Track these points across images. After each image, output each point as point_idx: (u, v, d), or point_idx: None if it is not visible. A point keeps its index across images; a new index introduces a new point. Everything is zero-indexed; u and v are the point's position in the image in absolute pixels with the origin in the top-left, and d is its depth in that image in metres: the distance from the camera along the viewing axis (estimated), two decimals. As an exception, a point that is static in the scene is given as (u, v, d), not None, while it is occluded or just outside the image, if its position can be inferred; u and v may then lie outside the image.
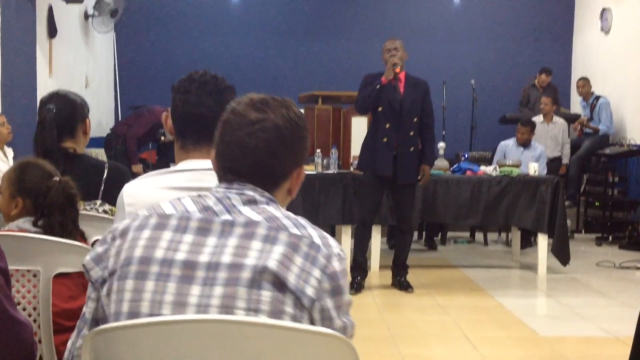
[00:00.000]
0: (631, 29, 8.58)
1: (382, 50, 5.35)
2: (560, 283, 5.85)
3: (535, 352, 4.00)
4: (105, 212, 2.36)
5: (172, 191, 1.79)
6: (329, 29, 9.95)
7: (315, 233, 1.35)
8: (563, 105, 9.37)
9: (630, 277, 6.12)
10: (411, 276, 5.58)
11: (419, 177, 5.35)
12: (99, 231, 2.32)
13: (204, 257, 1.29)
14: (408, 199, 5.39)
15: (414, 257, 6.19)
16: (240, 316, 1.25)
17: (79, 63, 8.08)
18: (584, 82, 8.70)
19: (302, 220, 1.37)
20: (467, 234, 8.07)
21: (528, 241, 7.31)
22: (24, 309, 1.91)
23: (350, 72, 9.02)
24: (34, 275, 1.92)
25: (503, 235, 8.07)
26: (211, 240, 1.31)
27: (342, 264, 1.35)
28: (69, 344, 1.44)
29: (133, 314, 1.29)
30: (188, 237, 1.32)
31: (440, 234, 7.81)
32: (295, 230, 1.33)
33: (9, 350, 1.47)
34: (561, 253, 6.02)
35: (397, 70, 5.15)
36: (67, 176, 2.13)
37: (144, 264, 1.31)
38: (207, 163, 1.84)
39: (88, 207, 2.37)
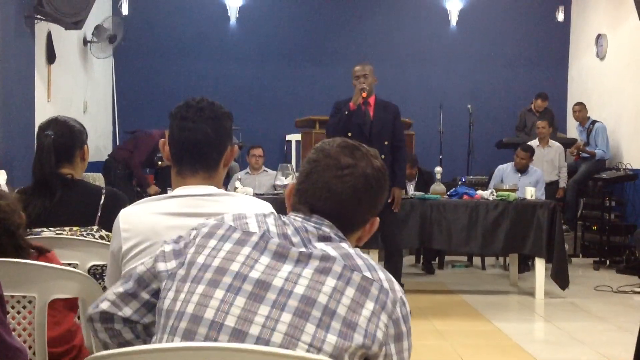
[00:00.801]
0: (626, 54, 8.65)
1: (351, 75, 5.45)
2: (558, 307, 5.84)
3: (533, 377, 3.98)
4: (101, 237, 2.37)
5: (169, 217, 1.80)
6: (325, 54, 10.02)
7: (384, 276, 1.37)
8: (559, 130, 9.42)
9: (628, 302, 6.11)
10: (408, 300, 5.53)
11: (389, 201, 5.35)
12: (96, 256, 2.33)
13: (278, 281, 1.31)
14: (389, 221, 5.35)
15: (411, 281, 6.20)
16: (298, 352, 1.24)
17: (77, 88, 8.12)
18: (580, 107, 8.76)
19: (372, 262, 1.39)
20: (464, 258, 8.06)
21: (526, 265, 7.30)
22: (19, 336, 1.91)
23: (347, 96, 9.05)
24: (29, 302, 1.92)
25: (500, 259, 8.06)
26: (287, 267, 1.34)
27: (405, 309, 1.38)
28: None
29: (196, 317, 1.30)
30: (265, 259, 1.35)
31: (437, 258, 7.80)
32: (367, 273, 1.35)
33: None
34: (560, 277, 6.02)
35: (364, 95, 5.24)
36: (65, 202, 2.13)
37: (218, 273, 1.33)
38: (204, 189, 1.85)
39: (85, 233, 2.37)
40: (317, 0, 10.02)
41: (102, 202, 2.47)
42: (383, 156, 5.31)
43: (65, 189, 2.47)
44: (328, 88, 9.82)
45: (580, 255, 8.48)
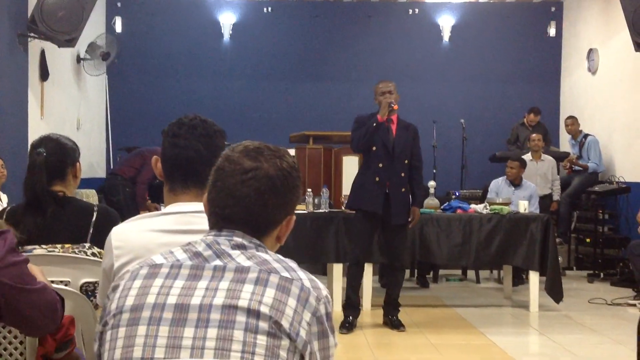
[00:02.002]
0: (617, 68, 8.71)
1: (374, 91, 5.44)
2: (552, 320, 5.84)
3: (528, 391, 3.98)
4: (93, 254, 2.37)
5: (160, 234, 1.80)
6: (319, 70, 10.07)
7: (304, 276, 1.37)
8: (552, 144, 9.46)
9: (622, 314, 6.11)
10: (403, 315, 5.56)
11: (409, 219, 5.39)
12: (88, 274, 2.33)
13: (195, 300, 1.31)
14: (401, 238, 5.43)
15: (406, 295, 6.17)
16: None
17: (70, 105, 8.13)
18: (572, 120, 8.80)
19: (291, 264, 1.39)
20: (459, 272, 8.06)
21: (520, 278, 7.30)
22: (11, 355, 1.90)
23: (341, 112, 9.11)
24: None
25: (495, 272, 8.06)
26: (202, 284, 1.33)
27: (328, 307, 1.37)
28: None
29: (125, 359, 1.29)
30: (179, 282, 1.34)
31: (432, 272, 7.80)
32: (285, 274, 1.35)
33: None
34: (554, 291, 6.03)
35: (395, 107, 5.25)
36: (57, 219, 2.14)
37: (135, 311, 1.33)
38: (196, 206, 1.85)
39: (77, 250, 2.37)
40: (310, 17, 10.07)
41: (94, 219, 2.48)
42: (403, 174, 5.34)
43: (57, 206, 2.47)
44: (322, 104, 9.88)
45: (574, 268, 8.48)
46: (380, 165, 5.29)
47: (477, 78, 10.08)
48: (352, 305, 5.42)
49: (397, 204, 5.30)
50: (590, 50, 9.38)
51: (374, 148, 5.30)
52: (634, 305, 6.36)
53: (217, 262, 1.36)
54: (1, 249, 1.65)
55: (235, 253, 1.37)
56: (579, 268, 8.44)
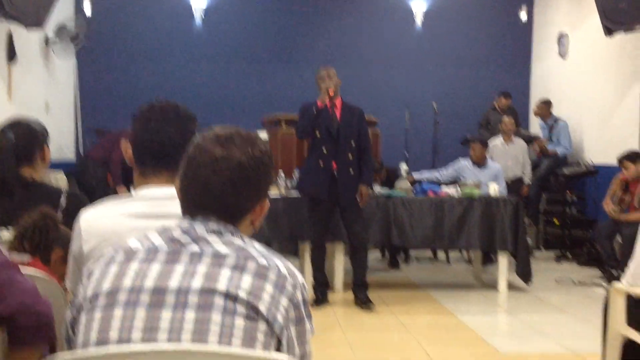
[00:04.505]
0: (587, 53, 8.81)
1: (315, 78, 5.58)
2: (520, 300, 5.94)
3: (495, 369, 4.06)
4: (62, 238, 2.36)
5: (130, 218, 1.78)
6: (291, 54, 10.03)
7: (281, 263, 1.39)
8: (522, 127, 9.56)
9: (589, 294, 6.23)
10: (374, 295, 5.62)
11: (357, 198, 5.48)
12: (57, 257, 2.31)
13: (173, 283, 1.31)
14: (354, 216, 5.54)
15: (377, 276, 6.26)
16: (209, 345, 1.26)
17: (39, 88, 8.02)
18: (543, 104, 8.89)
19: (267, 251, 1.40)
20: (429, 252, 8.15)
21: (489, 258, 7.41)
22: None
23: (313, 96, 8.99)
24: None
25: (465, 253, 8.17)
26: (180, 267, 1.33)
27: (305, 293, 1.39)
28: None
29: (101, 341, 1.29)
30: (156, 266, 1.34)
31: (403, 253, 7.88)
32: (263, 261, 1.36)
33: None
34: (524, 272, 6.15)
35: (331, 93, 5.35)
36: (25, 203, 2.13)
37: (112, 294, 1.32)
38: (167, 190, 1.84)
39: (45, 234, 2.36)
40: (283, 0, 10.02)
41: (62, 204, 2.47)
42: (350, 155, 5.44)
43: (25, 190, 2.46)
44: (294, 87, 9.84)
45: (543, 249, 8.63)
46: (325, 150, 5.41)
47: (449, 62, 10.13)
48: (319, 282, 5.59)
49: (345, 185, 5.43)
50: (561, 35, 9.47)
51: (318, 134, 5.44)
52: (600, 285, 6.49)
53: (194, 248, 1.37)
54: None
55: (212, 239, 1.38)
56: (547, 248, 8.58)
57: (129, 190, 6.96)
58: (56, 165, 7.29)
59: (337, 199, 5.44)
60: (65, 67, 9.04)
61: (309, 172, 5.56)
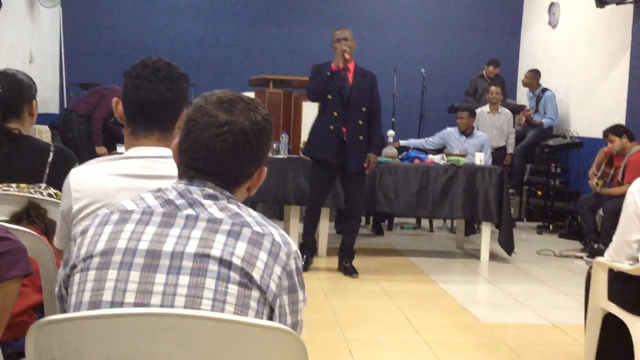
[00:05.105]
0: (578, 23, 8.78)
1: (331, 39, 5.42)
2: (502, 270, 6.00)
3: (476, 338, 4.10)
4: (50, 195, 2.32)
5: (121, 178, 1.76)
6: (280, 14, 9.90)
7: (275, 231, 1.38)
8: (509, 97, 9.56)
9: (569, 266, 6.31)
10: (358, 262, 5.64)
11: (365, 165, 5.42)
12: (44, 214, 2.27)
13: (167, 247, 1.30)
14: (357, 186, 5.48)
15: (360, 242, 6.26)
16: (201, 311, 1.26)
17: (23, 38, 7.85)
18: (532, 74, 8.86)
19: (262, 219, 1.39)
20: (413, 220, 8.19)
21: (472, 228, 7.46)
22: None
23: (301, 57, 9.01)
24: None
25: (448, 222, 8.21)
26: (175, 231, 1.33)
27: (298, 262, 1.38)
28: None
29: (94, 303, 1.29)
30: (151, 229, 1.33)
31: (387, 220, 7.90)
32: (257, 228, 1.35)
33: None
34: (507, 243, 6.20)
35: (347, 56, 5.23)
36: (12, 158, 2.08)
37: (106, 255, 1.31)
38: (158, 150, 1.82)
39: (32, 190, 2.32)
40: (273, -44, 9.86)
41: (50, 159, 2.42)
42: (360, 121, 5.34)
43: (12, 144, 2.40)
44: (283, 48, 9.74)
45: (525, 220, 8.70)
46: (335, 113, 5.31)
47: (438, 28, 10.06)
48: (307, 246, 5.55)
49: (354, 151, 5.33)
50: (552, 4, 9.42)
51: (330, 96, 5.31)
52: (581, 257, 6.57)
53: (190, 211, 1.35)
54: None
55: (208, 203, 1.37)
56: (529, 220, 8.65)
57: (109, 151, 6.87)
58: (40, 118, 7.17)
59: (344, 164, 5.35)
60: (50, 18, 8.86)
61: (318, 135, 5.41)
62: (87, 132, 7.21)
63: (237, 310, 1.27)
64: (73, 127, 7.15)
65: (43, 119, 7.53)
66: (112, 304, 1.27)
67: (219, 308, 1.26)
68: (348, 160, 5.32)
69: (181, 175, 1.43)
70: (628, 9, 7.44)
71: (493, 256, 6.34)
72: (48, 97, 8.81)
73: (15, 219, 2.12)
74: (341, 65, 5.27)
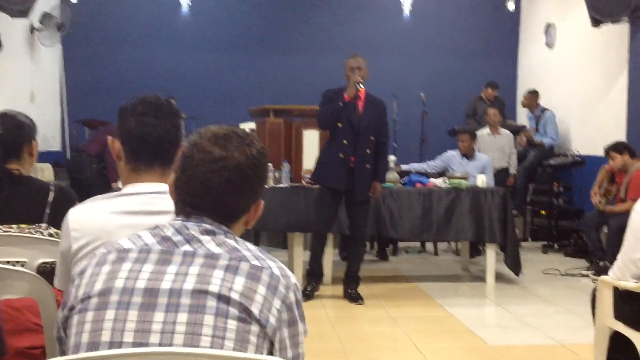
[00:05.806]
0: (574, 43, 8.83)
1: (344, 65, 5.40)
2: (508, 292, 5.97)
3: (484, 362, 4.07)
4: (50, 235, 2.33)
5: (120, 215, 1.76)
6: (280, 43, 9.98)
7: (274, 264, 1.38)
8: (509, 118, 9.58)
9: (575, 285, 6.27)
10: (363, 288, 5.62)
11: (369, 193, 5.43)
12: (45, 254, 2.29)
13: (165, 284, 1.30)
14: (363, 213, 5.51)
15: (365, 268, 6.23)
16: (200, 348, 1.25)
17: (24, 77, 7.93)
18: (531, 95, 8.90)
19: (260, 252, 1.40)
20: (417, 244, 8.17)
21: (477, 250, 7.43)
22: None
23: (302, 85, 9.07)
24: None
25: (452, 244, 8.19)
26: (172, 268, 1.32)
27: (298, 294, 1.38)
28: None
29: (93, 344, 1.28)
30: (148, 267, 1.33)
31: (391, 245, 7.88)
32: (255, 262, 1.35)
33: None
34: (513, 264, 6.17)
35: (361, 90, 5.25)
36: (12, 199, 2.10)
37: (104, 295, 1.31)
38: (157, 186, 1.81)
39: (33, 231, 2.33)
40: (270, -12, 9.97)
41: (50, 199, 2.43)
42: (368, 150, 5.35)
43: (13, 185, 2.42)
44: (282, 77, 9.81)
45: (529, 240, 8.67)
46: (345, 142, 5.31)
47: (436, 52, 10.12)
48: (314, 273, 5.56)
49: (361, 180, 5.34)
50: (548, 25, 9.49)
51: (340, 124, 5.30)
52: (587, 275, 6.54)
53: (187, 248, 1.35)
54: None
55: (205, 239, 1.37)
56: (534, 239, 8.63)
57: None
58: (41, 155, 7.22)
59: (351, 191, 5.35)
60: (50, 56, 8.95)
61: (327, 162, 5.40)
62: (99, 172, 7.25)
63: (236, 345, 1.26)
64: (85, 167, 7.20)
65: (45, 156, 7.58)
66: (111, 345, 1.26)
67: (218, 344, 1.25)
68: (355, 188, 5.33)
69: (178, 212, 1.44)
70: (624, 28, 7.49)
71: (499, 277, 6.31)
72: (50, 134, 8.88)
73: None
74: (352, 95, 5.27)
